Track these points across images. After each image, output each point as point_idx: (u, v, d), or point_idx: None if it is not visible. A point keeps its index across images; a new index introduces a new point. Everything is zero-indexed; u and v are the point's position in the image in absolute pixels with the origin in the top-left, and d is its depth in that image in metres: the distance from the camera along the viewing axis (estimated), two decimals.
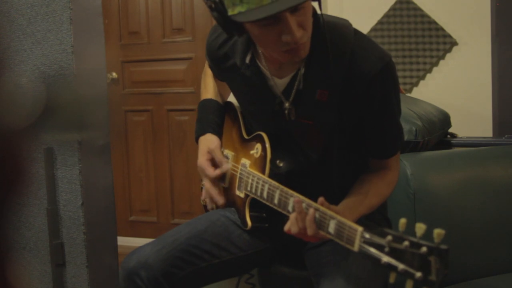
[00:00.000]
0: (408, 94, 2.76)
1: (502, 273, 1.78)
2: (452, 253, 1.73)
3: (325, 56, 1.29)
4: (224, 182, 1.55)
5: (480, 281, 1.75)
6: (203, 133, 1.55)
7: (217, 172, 1.47)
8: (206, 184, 1.50)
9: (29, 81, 1.43)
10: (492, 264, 1.80)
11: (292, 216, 1.23)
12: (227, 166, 1.48)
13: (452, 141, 2.31)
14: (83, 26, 1.44)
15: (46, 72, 1.43)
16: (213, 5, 1.19)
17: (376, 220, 1.49)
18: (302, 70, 1.32)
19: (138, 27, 3.41)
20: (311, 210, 1.18)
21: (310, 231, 1.18)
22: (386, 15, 2.77)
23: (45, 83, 1.44)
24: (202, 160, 1.50)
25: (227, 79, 1.54)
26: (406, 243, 0.97)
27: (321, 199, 1.19)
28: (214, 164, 1.50)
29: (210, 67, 1.63)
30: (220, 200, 1.47)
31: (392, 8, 2.76)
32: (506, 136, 2.33)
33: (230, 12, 1.17)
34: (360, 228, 1.08)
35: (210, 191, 1.49)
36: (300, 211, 1.20)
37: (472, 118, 2.66)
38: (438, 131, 2.15)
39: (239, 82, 1.45)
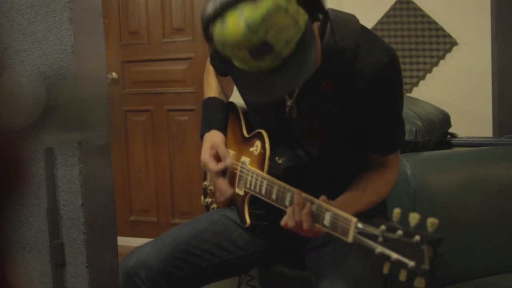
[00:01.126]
0: (408, 94, 2.75)
1: (502, 273, 1.78)
2: (452, 253, 1.73)
3: (332, 50, 1.30)
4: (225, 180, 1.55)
5: (480, 281, 1.75)
6: (207, 130, 1.55)
7: (220, 165, 1.47)
8: (212, 178, 1.50)
9: (29, 81, 1.43)
10: (492, 264, 1.80)
11: (289, 210, 1.24)
12: (230, 160, 1.48)
13: (452, 141, 2.31)
14: (83, 26, 1.44)
15: (46, 72, 1.43)
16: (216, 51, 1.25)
17: (375, 215, 1.49)
18: None
19: (138, 27, 3.41)
20: (307, 204, 1.19)
21: (306, 225, 1.19)
22: (386, 15, 2.77)
23: (45, 83, 1.44)
24: (205, 155, 1.49)
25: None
26: (399, 232, 0.97)
27: (323, 197, 1.20)
28: (218, 159, 1.49)
29: (213, 59, 1.62)
30: (228, 191, 1.46)
31: (392, 8, 2.76)
32: (506, 136, 2.33)
33: (235, 63, 1.23)
34: (354, 219, 1.08)
35: (216, 185, 1.49)
36: (298, 202, 1.20)
37: (472, 118, 2.66)
38: (438, 131, 2.15)
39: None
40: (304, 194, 1.22)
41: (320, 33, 1.31)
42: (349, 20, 1.35)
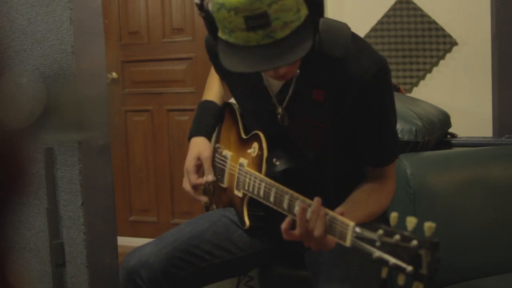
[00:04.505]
0: (408, 94, 2.75)
1: (502, 273, 1.78)
2: (451, 253, 1.73)
3: (321, 59, 1.30)
4: (223, 182, 1.55)
5: (480, 281, 1.75)
6: (197, 135, 1.57)
7: (200, 181, 1.54)
8: (186, 186, 1.55)
9: (29, 81, 1.44)
10: (492, 264, 1.80)
11: (299, 218, 1.21)
12: (211, 177, 1.53)
13: (452, 141, 2.30)
14: (83, 26, 1.44)
15: (46, 72, 1.43)
16: (205, 17, 1.22)
17: (377, 221, 1.48)
18: (297, 73, 1.32)
19: (138, 27, 3.41)
20: (322, 211, 1.16)
21: (317, 232, 1.16)
22: (386, 15, 2.77)
23: (45, 83, 1.44)
24: (190, 165, 1.55)
25: (225, 76, 1.55)
26: (397, 237, 0.97)
27: (317, 199, 1.19)
28: (202, 170, 1.55)
29: (214, 62, 1.63)
30: (204, 199, 1.56)
31: (392, 8, 2.76)
32: (506, 136, 2.33)
33: (220, 34, 1.19)
34: (351, 223, 1.08)
35: (189, 193, 1.56)
36: (314, 210, 1.17)
37: (472, 118, 2.66)
38: (438, 131, 2.15)
39: (236, 80, 1.46)
40: (303, 199, 1.21)
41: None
42: (340, 28, 1.35)
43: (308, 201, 1.21)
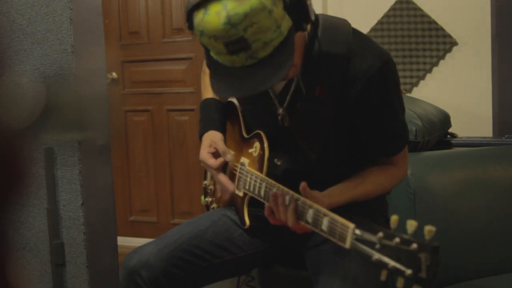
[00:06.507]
0: (408, 94, 2.75)
1: (502, 273, 1.78)
2: (451, 253, 1.73)
3: (323, 57, 1.30)
4: None
5: (480, 281, 1.75)
6: (205, 131, 1.56)
7: (219, 160, 1.47)
8: (214, 175, 1.50)
9: (29, 81, 1.43)
10: (492, 264, 1.80)
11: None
12: (230, 156, 1.48)
13: (452, 141, 2.31)
14: (83, 26, 1.44)
15: (46, 72, 1.43)
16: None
17: (377, 221, 1.48)
18: (300, 72, 1.32)
19: (138, 27, 3.41)
20: (291, 203, 1.22)
21: (290, 223, 1.23)
22: (386, 15, 2.77)
23: (45, 83, 1.44)
24: (203, 152, 1.50)
25: None
26: (396, 239, 0.97)
27: (303, 184, 1.22)
28: (217, 156, 1.49)
29: (208, 65, 1.63)
30: (231, 186, 1.46)
31: (392, 8, 2.76)
32: (506, 136, 2.33)
33: (211, 53, 1.22)
34: (351, 225, 1.08)
35: (217, 181, 1.50)
36: (281, 203, 1.23)
37: (472, 118, 2.66)
38: (438, 131, 2.15)
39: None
40: (302, 198, 1.22)
41: (310, 39, 1.30)
42: (341, 25, 1.35)
43: (302, 198, 1.22)
